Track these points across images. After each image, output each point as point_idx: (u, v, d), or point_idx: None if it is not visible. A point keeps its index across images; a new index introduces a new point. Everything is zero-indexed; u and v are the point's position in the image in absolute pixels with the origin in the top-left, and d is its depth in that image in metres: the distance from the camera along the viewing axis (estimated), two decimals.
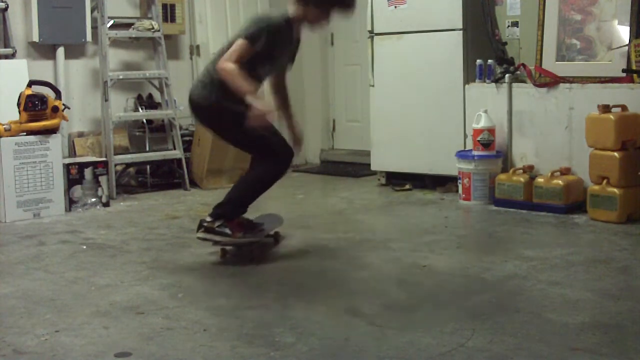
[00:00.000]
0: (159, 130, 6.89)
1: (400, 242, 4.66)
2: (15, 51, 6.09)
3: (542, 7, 5.67)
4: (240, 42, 4.01)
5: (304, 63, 8.03)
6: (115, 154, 6.38)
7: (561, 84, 5.49)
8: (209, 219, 4.17)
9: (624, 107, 5.06)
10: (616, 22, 5.38)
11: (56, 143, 5.68)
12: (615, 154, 4.97)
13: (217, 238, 4.19)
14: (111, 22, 6.51)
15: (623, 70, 5.22)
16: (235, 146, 4.59)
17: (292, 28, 4.20)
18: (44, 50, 6.36)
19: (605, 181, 5.00)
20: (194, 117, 5.08)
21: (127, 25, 6.68)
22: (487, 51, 5.96)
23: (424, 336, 3.06)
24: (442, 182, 6.21)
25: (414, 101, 6.28)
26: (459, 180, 5.80)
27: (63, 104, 5.76)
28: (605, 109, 5.00)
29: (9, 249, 4.72)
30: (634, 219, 4.98)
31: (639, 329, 3.13)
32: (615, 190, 4.95)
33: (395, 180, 6.52)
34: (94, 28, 6.45)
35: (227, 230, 4.15)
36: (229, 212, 4.18)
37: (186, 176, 6.62)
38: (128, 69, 6.83)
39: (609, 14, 5.42)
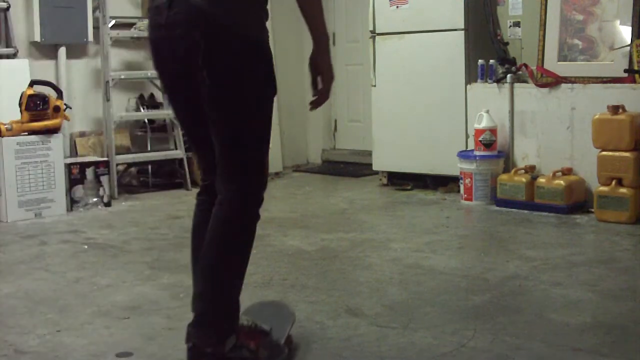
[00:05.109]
0: (160, 130, 6.89)
1: (401, 242, 4.66)
2: (17, 51, 6.09)
3: (544, 7, 5.67)
4: None
5: (305, 63, 8.04)
6: (117, 153, 6.38)
7: (563, 84, 5.49)
8: (209, 346, 2.61)
9: (622, 107, 5.05)
10: (618, 22, 5.38)
11: (58, 143, 5.68)
12: (629, 154, 4.96)
13: None
14: (113, 22, 6.51)
15: (625, 71, 5.22)
16: (199, 147, 2.80)
17: None
18: (45, 50, 6.36)
19: (614, 182, 4.99)
20: (186, 46, 2.55)
21: (129, 25, 6.68)
22: (488, 51, 5.96)
23: (425, 336, 3.06)
24: (443, 182, 6.21)
25: (416, 101, 6.28)
26: (461, 181, 5.80)
27: (65, 104, 5.76)
28: (615, 110, 4.98)
29: (11, 248, 4.73)
30: None
31: None
32: (627, 191, 4.93)
33: (397, 180, 6.52)
34: (96, 28, 6.45)
35: (246, 352, 2.71)
36: (229, 322, 2.68)
37: (188, 176, 6.61)
38: (130, 68, 6.83)
39: (610, 14, 5.42)
